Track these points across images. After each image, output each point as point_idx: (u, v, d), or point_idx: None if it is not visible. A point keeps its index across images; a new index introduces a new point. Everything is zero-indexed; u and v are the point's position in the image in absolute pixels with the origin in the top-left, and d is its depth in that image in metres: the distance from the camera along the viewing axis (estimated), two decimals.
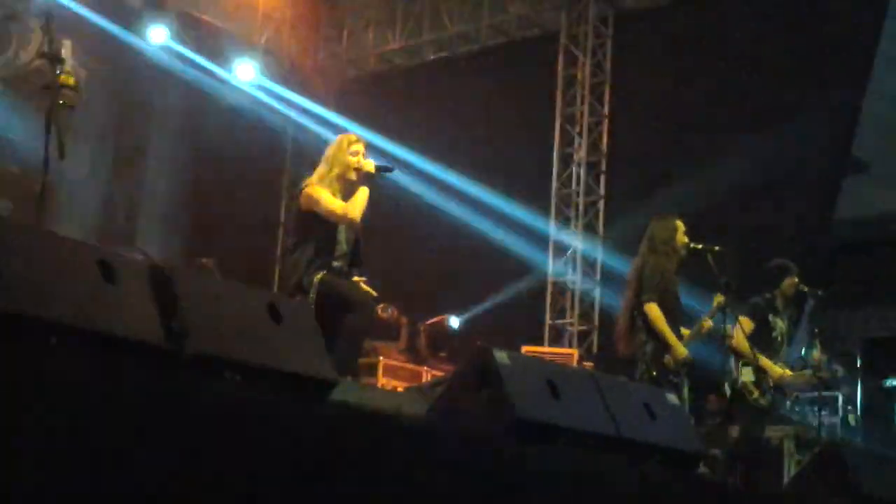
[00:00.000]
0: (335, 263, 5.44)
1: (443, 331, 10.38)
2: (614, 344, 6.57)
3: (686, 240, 6.40)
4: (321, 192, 5.46)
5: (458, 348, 9.81)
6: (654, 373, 6.11)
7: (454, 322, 10.60)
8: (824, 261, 9.47)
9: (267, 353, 3.08)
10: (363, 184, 5.51)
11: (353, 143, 5.61)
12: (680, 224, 6.46)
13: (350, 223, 5.45)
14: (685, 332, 6.34)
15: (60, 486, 2.18)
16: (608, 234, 10.92)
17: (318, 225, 5.46)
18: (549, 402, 3.67)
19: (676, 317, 6.35)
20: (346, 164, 5.52)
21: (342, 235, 5.50)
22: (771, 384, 6.71)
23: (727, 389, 6.71)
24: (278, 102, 12.32)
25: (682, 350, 6.18)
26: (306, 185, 5.56)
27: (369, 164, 5.54)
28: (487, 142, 11.48)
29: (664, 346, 6.18)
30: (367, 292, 5.41)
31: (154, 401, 2.45)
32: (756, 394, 6.67)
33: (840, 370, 7.27)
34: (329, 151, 5.64)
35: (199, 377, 2.76)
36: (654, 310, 6.20)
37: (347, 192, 5.54)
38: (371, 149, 5.77)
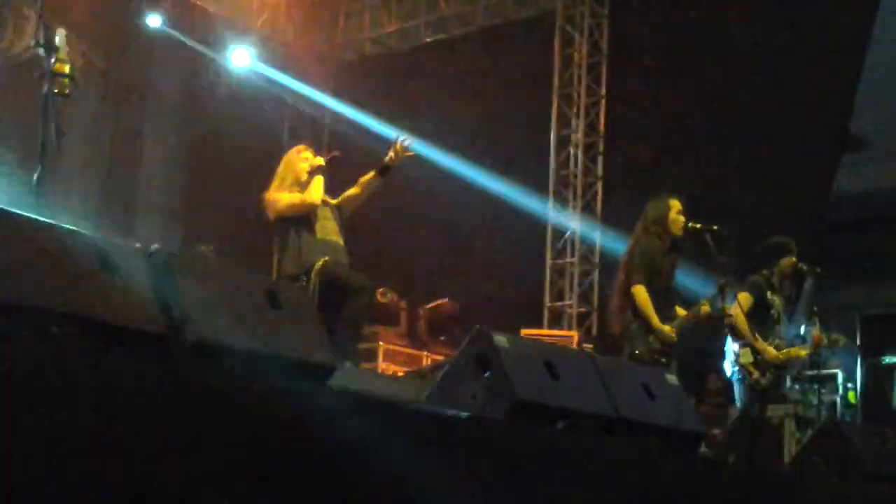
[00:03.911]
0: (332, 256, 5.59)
1: (442, 315, 10.38)
2: (606, 323, 6.57)
3: (683, 219, 6.36)
4: (276, 195, 5.80)
5: (457, 332, 9.81)
6: (638, 351, 6.10)
7: (454, 306, 10.60)
8: (823, 238, 9.47)
9: (267, 339, 3.09)
10: (316, 175, 5.82)
11: (302, 152, 5.99)
12: (675, 203, 6.40)
13: (311, 207, 5.73)
14: (681, 311, 6.32)
15: (62, 476, 2.19)
16: (606, 215, 10.91)
17: (293, 228, 5.68)
18: (548, 383, 3.68)
19: (669, 297, 6.33)
20: (297, 170, 5.86)
21: (320, 226, 5.71)
22: (770, 363, 6.71)
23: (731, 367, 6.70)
24: (275, 88, 12.28)
25: (666, 333, 6.13)
26: (263, 198, 5.86)
27: (319, 160, 5.91)
28: (484, 124, 11.45)
29: (649, 328, 6.17)
30: (367, 278, 5.56)
31: (155, 388, 2.46)
32: (756, 374, 6.66)
33: (842, 339, 7.22)
34: (279, 168, 5.97)
35: (200, 364, 2.77)
36: (640, 292, 6.18)
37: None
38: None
